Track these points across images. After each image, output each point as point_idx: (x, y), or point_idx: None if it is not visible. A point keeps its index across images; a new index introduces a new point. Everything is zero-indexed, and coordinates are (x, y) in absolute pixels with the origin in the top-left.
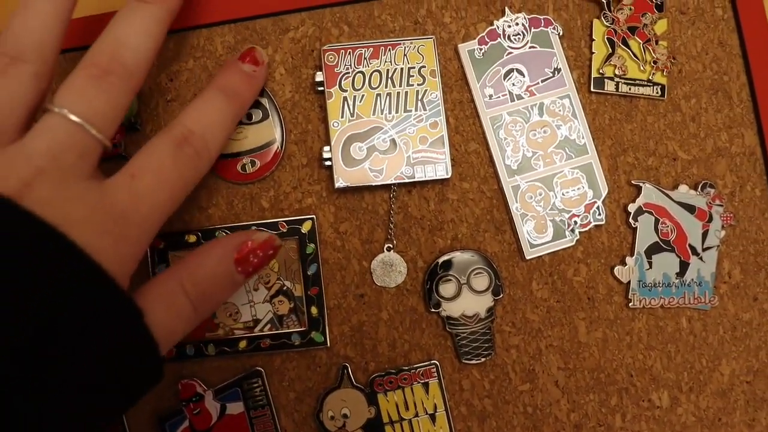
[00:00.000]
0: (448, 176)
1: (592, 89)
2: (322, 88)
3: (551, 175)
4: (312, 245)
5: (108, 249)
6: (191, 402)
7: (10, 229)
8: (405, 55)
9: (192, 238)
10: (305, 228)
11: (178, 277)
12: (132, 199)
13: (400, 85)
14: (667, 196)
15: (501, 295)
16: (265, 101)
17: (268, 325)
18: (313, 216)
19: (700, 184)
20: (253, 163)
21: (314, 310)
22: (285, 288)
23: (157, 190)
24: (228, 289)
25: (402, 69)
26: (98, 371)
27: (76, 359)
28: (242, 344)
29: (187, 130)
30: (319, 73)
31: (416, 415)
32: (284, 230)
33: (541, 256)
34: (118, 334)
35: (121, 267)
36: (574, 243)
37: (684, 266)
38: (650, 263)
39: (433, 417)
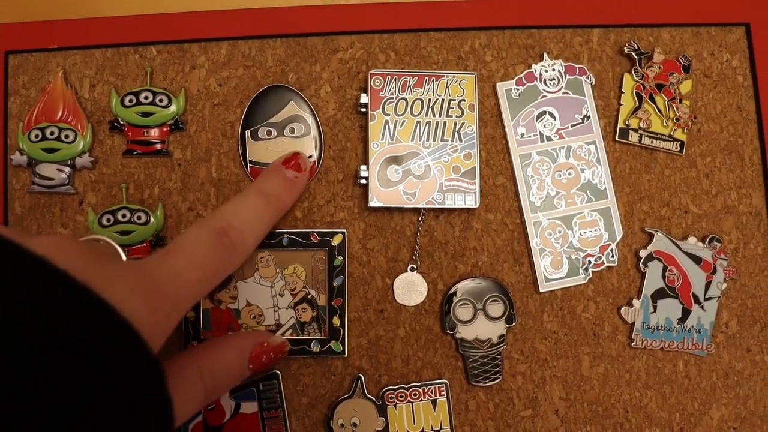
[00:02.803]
0: (476, 206)
1: (616, 138)
2: (365, 110)
3: (571, 215)
4: (340, 258)
5: (142, 314)
6: None
7: (47, 288)
8: (447, 87)
9: None
10: (335, 241)
11: (198, 364)
12: (167, 272)
13: (440, 115)
14: (677, 245)
15: (513, 324)
16: (308, 117)
17: (290, 331)
18: (344, 230)
19: (708, 238)
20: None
21: (336, 320)
22: (310, 296)
23: (191, 269)
24: (236, 381)
25: (443, 100)
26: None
27: (105, 418)
28: None
29: (226, 223)
30: (364, 95)
31: (422, 430)
32: (315, 241)
33: (554, 291)
34: (144, 397)
35: (153, 336)
36: (586, 281)
37: (686, 313)
38: (655, 307)
39: None
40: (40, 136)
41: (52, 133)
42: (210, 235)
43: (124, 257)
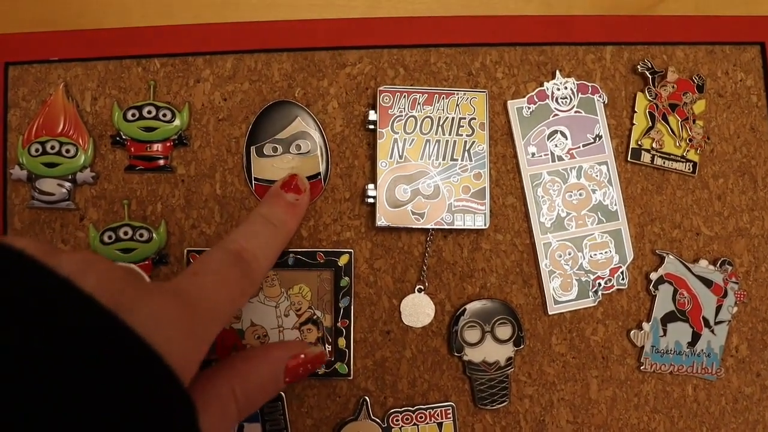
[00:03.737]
0: (486, 227)
1: (628, 159)
2: (373, 127)
3: (582, 237)
4: (347, 278)
5: (174, 342)
6: None
7: (72, 315)
8: (457, 105)
9: None
10: (342, 261)
11: (231, 383)
12: (198, 293)
13: (450, 134)
14: (688, 268)
15: (522, 346)
16: (315, 134)
17: None
18: (351, 250)
19: (719, 261)
20: None
21: (342, 341)
22: (315, 317)
23: (219, 289)
24: (271, 395)
25: (453, 118)
26: None
27: None
28: None
29: (240, 246)
30: (372, 112)
31: None
32: (322, 261)
33: (563, 313)
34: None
35: (186, 364)
36: (595, 304)
37: (696, 337)
38: (665, 330)
39: None
40: (41, 151)
41: (52, 148)
42: (230, 256)
43: (147, 279)
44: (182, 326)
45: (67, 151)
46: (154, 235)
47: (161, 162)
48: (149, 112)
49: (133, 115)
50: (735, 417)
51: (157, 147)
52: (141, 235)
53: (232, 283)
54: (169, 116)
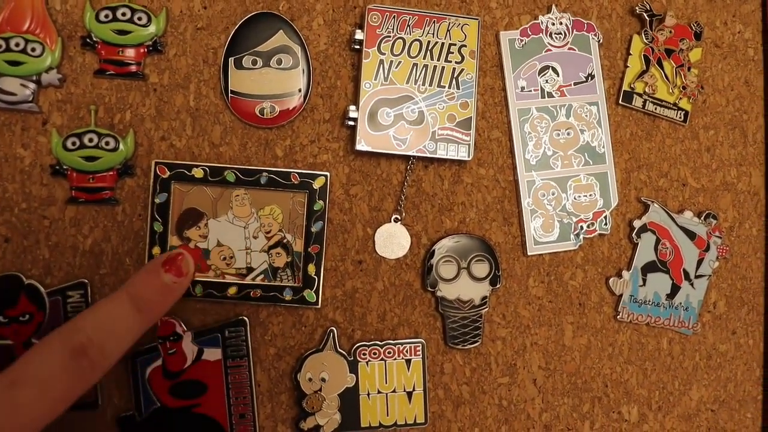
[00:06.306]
0: (469, 159)
1: (620, 102)
2: (359, 47)
3: (566, 177)
4: (321, 202)
5: None
6: (168, 341)
7: None
8: (448, 30)
9: (199, 173)
10: (317, 184)
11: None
12: (7, 409)
13: (438, 59)
14: (672, 218)
15: (498, 286)
16: (297, 49)
17: (261, 276)
18: (327, 173)
19: (704, 214)
20: (272, 108)
21: (311, 268)
22: (285, 241)
23: (37, 403)
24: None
25: (443, 44)
26: None
27: None
28: (232, 290)
29: (87, 339)
30: (359, 31)
31: (393, 391)
32: (296, 182)
33: (542, 255)
34: None
35: None
36: (576, 247)
37: (675, 289)
38: (644, 280)
39: (410, 395)
40: (4, 47)
41: (17, 45)
42: (65, 356)
43: None
44: None
45: (33, 49)
46: (120, 144)
47: (133, 68)
48: (123, 14)
49: (106, 16)
50: (708, 373)
51: (129, 52)
52: (107, 143)
53: (57, 392)
54: (144, 20)
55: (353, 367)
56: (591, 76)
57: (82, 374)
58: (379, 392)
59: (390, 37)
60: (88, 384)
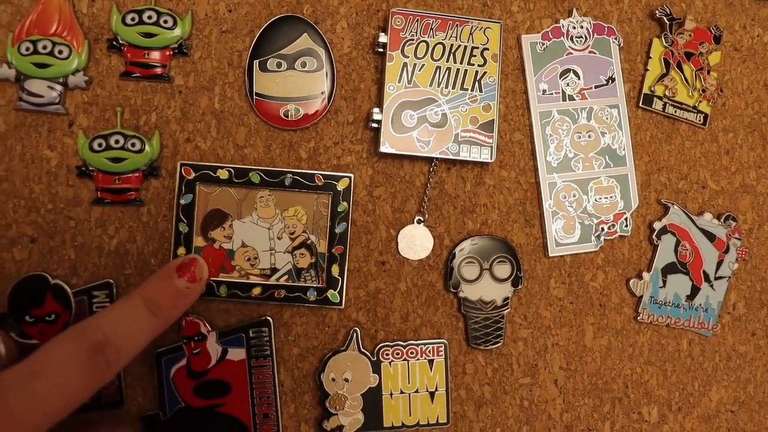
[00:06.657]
0: (491, 161)
1: (640, 104)
2: (382, 50)
3: (587, 179)
4: (345, 204)
5: None
6: (193, 341)
7: None
8: (471, 34)
9: (224, 174)
10: (341, 185)
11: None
12: (25, 398)
13: (461, 63)
14: (692, 220)
15: (519, 287)
16: (321, 52)
17: (285, 276)
18: (351, 175)
19: (724, 216)
20: (297, 110)
21: (335, 269)
22: (309, 242)
23: (54, 397)
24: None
25: (466, 47)
26: None
27: None
28: (256, 291)
29: (103, 337)
30: (383, 34)
31: (416, 391)
32: (320, 183)
33: (563, 256)
34: None
35: None
36: (597, 249)
37: (695, 290)
38: (664, 282)
39: (432, 395)
40: (31, 50)
41: (44, 47)
42: (83, 352)
43: None
44: None
45: (60, 52)
46: (146, 145)
47: (159, 70)
48: (150, 18)
49: (133, 19)
50: (727, 374)
51: (155, 54)
52: (133, 145)
53: (74, 388)
54: (170, 23)
55: (376, 368)
56: (612, 79)
57: (98, 372)
58: (401, 392)
59: (413, 40)
60: (101, 382)
